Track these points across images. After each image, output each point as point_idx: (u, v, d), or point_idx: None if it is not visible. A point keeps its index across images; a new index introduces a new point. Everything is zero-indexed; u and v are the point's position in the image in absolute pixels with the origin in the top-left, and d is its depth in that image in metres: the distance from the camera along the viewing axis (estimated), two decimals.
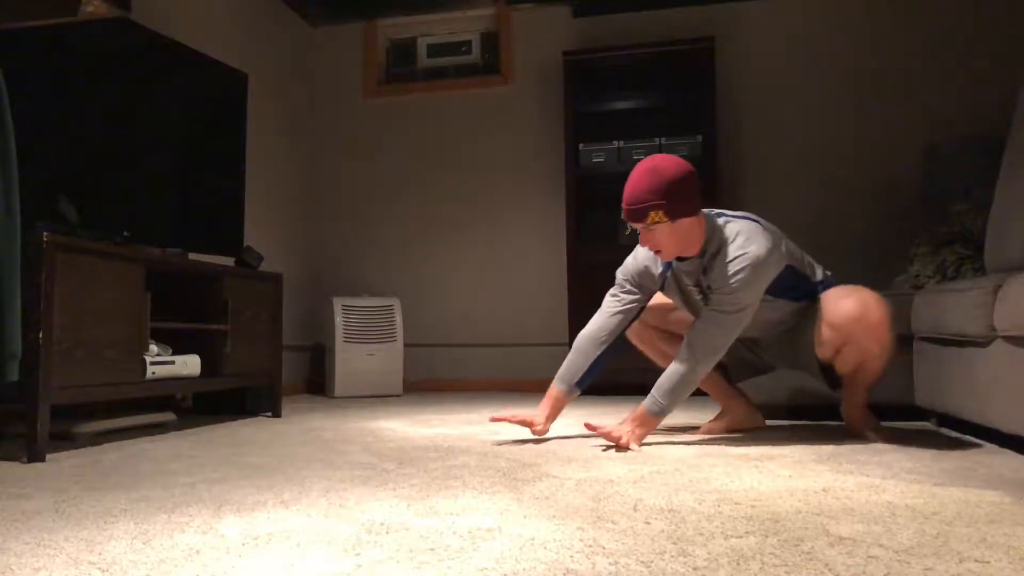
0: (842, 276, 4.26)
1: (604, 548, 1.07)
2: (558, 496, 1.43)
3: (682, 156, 4.08)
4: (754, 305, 2.00)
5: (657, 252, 2.02)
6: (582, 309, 3.65)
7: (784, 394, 2.79)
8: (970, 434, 2.35)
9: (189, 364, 2.54)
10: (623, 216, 1.98)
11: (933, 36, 4.17)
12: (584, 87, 4.36)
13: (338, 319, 4.22)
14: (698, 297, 2.13)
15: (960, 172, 3.60)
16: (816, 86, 4.30)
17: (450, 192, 4.74)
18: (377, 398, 4.14)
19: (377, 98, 4.87)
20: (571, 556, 1.03)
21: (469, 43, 4.82)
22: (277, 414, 3.08)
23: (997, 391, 1.96)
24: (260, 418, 3.02)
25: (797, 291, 2.14)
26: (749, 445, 2.11)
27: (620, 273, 2.22)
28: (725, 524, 1.20)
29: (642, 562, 1.00)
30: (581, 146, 4.21)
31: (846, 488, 1.48)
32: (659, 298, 2.35)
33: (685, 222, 1.96)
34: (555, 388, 2.19)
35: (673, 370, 2.00)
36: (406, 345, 4.56)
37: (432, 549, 1.08)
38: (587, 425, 2.06)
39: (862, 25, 4.27)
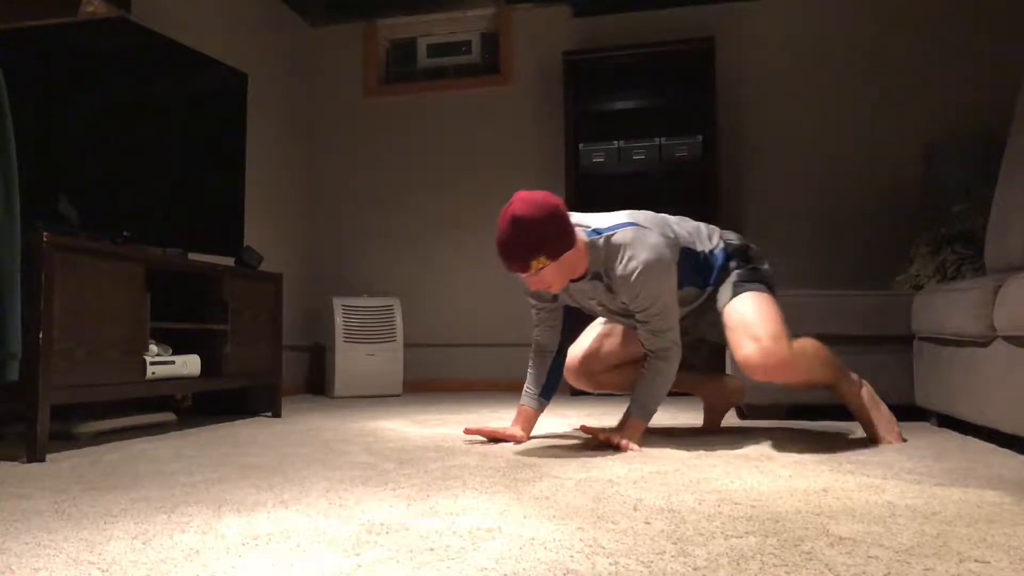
0: (843, 276, 4.25)
1: (604, 548, 1.07)
2: (558, 496, 1.43)
3: (682, 156, 4.12)
4: (674, 297, 2.02)
5: (548, 288, 1.98)
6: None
7: (784, 394, 2.79)
8: (970, 434, 2.35)
9: (189, 364, 2.54)
10: (505, 268, 1.93)
11: (933, 36, 4.17)
12: (584, 87, 4.36)
13: (338, 319, 4.22)
14: (599, 308, 2.15)
15: (960, 172, 3.60)
16: (816, 86, 4.30)
17: (450, 192, 4.74)
18: (377, 398, 4.14)
19: (377, 98, 4.87)
20: (571, 556, 1.03)
21: (469, 43, 4.82)
22: (277, 414, 3.08)
23: (997, 391, 1.96)
24: (260, 418, 3.02)
25: (699, 275, 2.12)
26: (749, 445, 2.11)
27: (523, 292, 2.24)
28: (725, 524, 1.20)
29: (642, 562, 1.00)
30: (581, 146, 4.21)
31: (846, 488, 1.48)
32: (583, 347, 2.35)
33: (567, 255, 1.94)
34: (525, 406, 2.23)
35: (647, 377, 2.05)
36: (406, 345, 4.56)
37: (432, 549, 1.08)
38: (584, 428, 2.07)
39: (862, 25, 4.27)
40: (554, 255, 1.90)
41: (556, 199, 1.92)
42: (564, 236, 1.90)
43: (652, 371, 2.04)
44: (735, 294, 2.06)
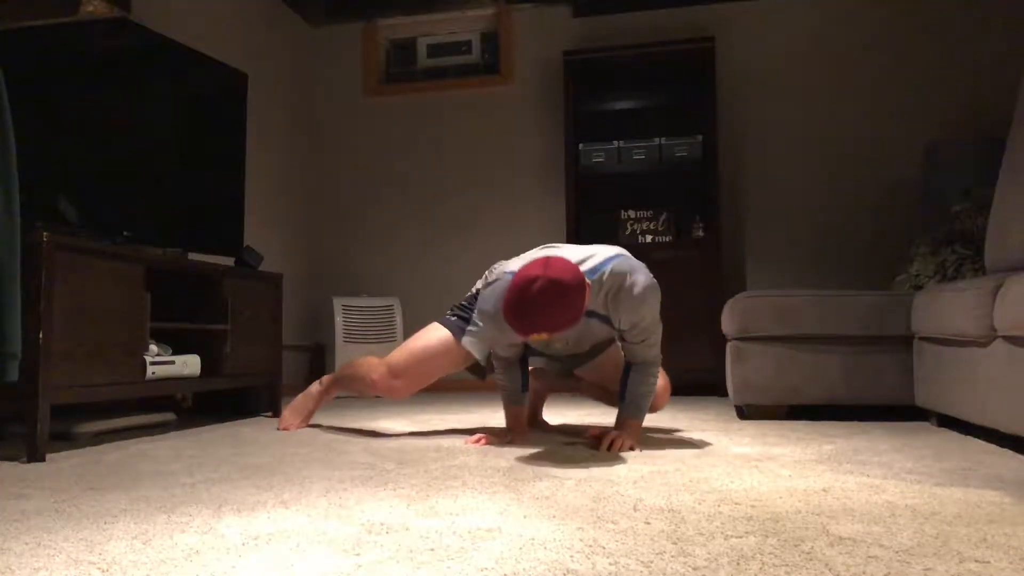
0: (843, 276, 4.24)
1: (604, 548, 1.07)
2: (558, 496, 1.43)
3: (682, 156, 4.11)
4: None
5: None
6: None
7: (784, 394, 2.79)
8: (970, 434, 2.35)
9: (189, 364, 2.54)
10: (510, 325, 1.80)
11: (933, 36, 4.17)
12: (584, 87, 4.36)
13: (338, 319, 4.22)
14: (560, 346, 2.19)
15: (960, 172, 3.60)
16: (816, 86, 4.30)
17: (450, 192, 4.74)
18: (377, 398, 4.14)
19: (377, 98, 4.87)
20: (571, 556, 1.03)
21: (469, 43, 4.82)
22: (277, 414, 3.08)
23: (997, 391, 1.96)
24: (260, 418, 3.02)
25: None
26: (749, 445, 2.11)
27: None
28: (725, 524, 1.20)
29: (642, 562, 1.00)
30: (581, 146, 4.21)
31: (846, 488, 1.48)
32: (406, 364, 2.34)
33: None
34: (514, 408, 2.23)
35: (639, 381, 2.11)
36: None
37: (432, 549, 1.08)
38: (591, 436, 2.11)
39: (862, 25, 4.27)
40: (553, 332, 1.82)
41: (582, 281, 1.79)
42: (574, 320, 1.82)
43: (643, 375, 2.11)
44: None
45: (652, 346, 2.10)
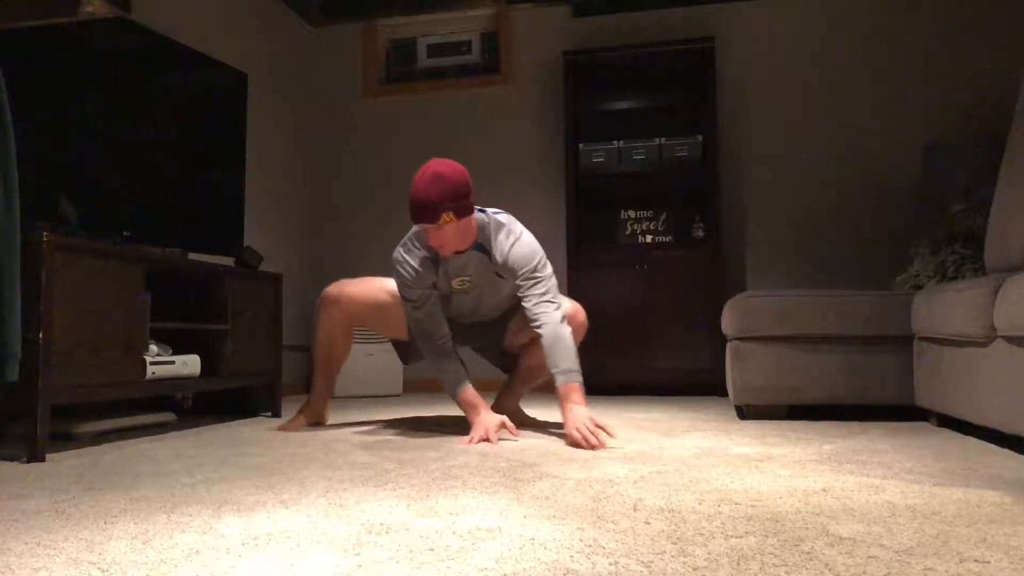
0: (843, 276, 4.24)
1: (604, 548, 1.07)
2: (558, 496, 1.43)
3: (682, 156, 4.13)
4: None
5: (440, 247, 2.21)
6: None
7: (784, 394, 2.79)
8: (970, 434, 2.35)
9: (189, 364, 2.54)
10: (412, 217, 2.15)
11: (933, 36, 4.17)
12: (584, 87, 4.36)
13: None
14: (458, 286, 2.36)
15: (960, 172, 3.60)
16: (816, 86, 4.30)
17: None
18: (377, 398, 4.14)
19: (377, 98, 4.87)
20: (571, 556, 1.03)
21: (469, 43, 4.82)
22: (277, 414, 3.08)
23: (997, 391, 1.96)
24: (260, 418, 3.02)
25: None
26: (749, 445, 2.11)
27: (403, 291, 2.35)
28: (725, 524, 1.20)
29: (642, 562, 1.00)
30: (581, 146, 4.21)
31: (846, 488, 1.48)
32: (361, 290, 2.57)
33: (467, 219, 2.22)
34: (468, 393, 2.32)
35: (562, 344, 2.21)
36: None
37: (432, 549, 1.08)
38: (569, 444, 2.13)
39: (862, 25, 4.27)
40: (460, 213, 2.15)
41: (466, 171, 2.19)
42: (470, 198, 2.18)
43: (561, 336, 2.20)
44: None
45: (551, 303, 2.24)
